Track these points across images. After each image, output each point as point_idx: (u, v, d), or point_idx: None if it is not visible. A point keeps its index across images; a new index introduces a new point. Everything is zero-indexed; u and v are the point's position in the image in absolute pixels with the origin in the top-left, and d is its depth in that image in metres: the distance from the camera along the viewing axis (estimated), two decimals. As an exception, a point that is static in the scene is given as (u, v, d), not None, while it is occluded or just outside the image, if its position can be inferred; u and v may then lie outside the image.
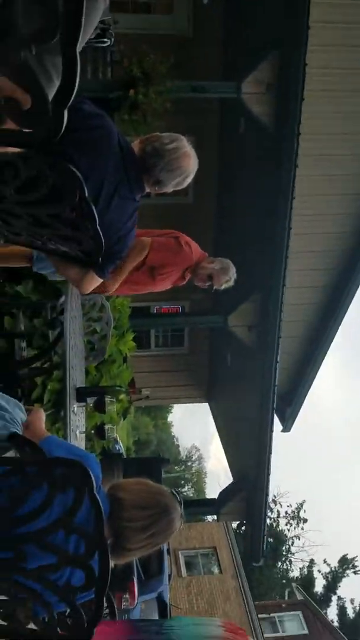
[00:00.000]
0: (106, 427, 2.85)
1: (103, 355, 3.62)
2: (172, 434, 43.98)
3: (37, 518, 1.45)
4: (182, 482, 38.25)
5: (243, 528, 7.55)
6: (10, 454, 1.71)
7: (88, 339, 3.56)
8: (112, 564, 1.50)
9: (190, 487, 38.50)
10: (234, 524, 14.75)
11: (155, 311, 9.41)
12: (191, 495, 36.48)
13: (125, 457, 6.74)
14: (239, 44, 6.50)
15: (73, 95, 0.92)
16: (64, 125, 0.96)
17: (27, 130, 0.98)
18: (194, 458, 42.41)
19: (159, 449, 36.73)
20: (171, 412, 39.65)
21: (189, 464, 42.25)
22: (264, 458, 6.45)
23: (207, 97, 5.83)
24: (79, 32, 0.84)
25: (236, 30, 6.73)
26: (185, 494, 35.75)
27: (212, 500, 7.08)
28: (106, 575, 1.45)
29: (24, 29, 0.87)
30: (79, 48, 0.87)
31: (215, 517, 7.32)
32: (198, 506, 7.42)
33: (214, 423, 9.74)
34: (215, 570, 14.60)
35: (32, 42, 0.86)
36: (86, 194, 1.67)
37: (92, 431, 2.46)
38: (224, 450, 8.65)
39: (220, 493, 7.08)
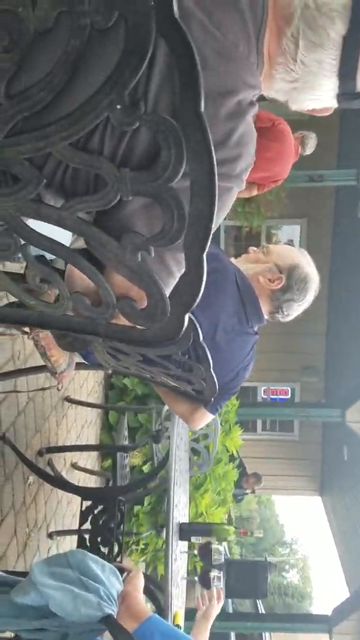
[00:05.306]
0: (213, 546, 2.54)
1: (209, 465, 3.37)
2: (276, 512, 41.46)
3: None
4: (287, 566, 35.46)
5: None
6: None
7: (192, 447, 3.35)
8: None
9: (296, 572, 35.47)
10: None
11: (262, 393, 9.03)
12: (296, 582, 33.65)
13: (228, 557, 6.22)
14: (355, 129, 6.35)
15: (197, 301, 0.75)
16: (184, 328, 0.80)
17: (141, 328, 0.83)
18: (299, 542, 39.37)
19: (262, 527, 34.62)
20: (275, 490, 37.53)
21: (294, 546, 39.23)
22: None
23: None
24: (208, 237, 0.69)
25: (353, 115, 6.61)
26: (289, 580, 33.04)
27: (324, 616, 6.27)
28: None
29: (143, 231, 0.73)
30: (206, 249, 0.71)
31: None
32: (308, 622, 6.60)
33: (326, 519, 8.89)
34: None
35: (151, 244, 0.71)
36: (201, 338, 1.53)
37: (196, 578, 2.18)
38: (339, 555, 7.77)
39: (335, 609, 6.26)
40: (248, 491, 7.38)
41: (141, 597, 1.55)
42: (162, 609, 2.09)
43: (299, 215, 7.63)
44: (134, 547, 4.42)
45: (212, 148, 0.64)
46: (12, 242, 0.79)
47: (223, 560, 2.30)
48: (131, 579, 1.57)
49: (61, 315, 0.87)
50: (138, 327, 0.84)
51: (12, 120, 0.70)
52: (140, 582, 1.59)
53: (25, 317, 0.90)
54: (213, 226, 0.70)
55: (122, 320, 0.84)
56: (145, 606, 1.50)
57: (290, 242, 8.92)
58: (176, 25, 0.61)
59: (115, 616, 1.39)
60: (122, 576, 1.58)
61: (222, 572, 2.28)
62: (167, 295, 0.78)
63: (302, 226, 8.06)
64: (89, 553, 1.52)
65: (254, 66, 0.75)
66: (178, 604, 1.97)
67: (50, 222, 0.75)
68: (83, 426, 3.66)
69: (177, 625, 1.90)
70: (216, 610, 2.03)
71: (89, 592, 1.40)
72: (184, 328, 0.79)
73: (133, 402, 4.31)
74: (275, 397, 8.76)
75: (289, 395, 8.75)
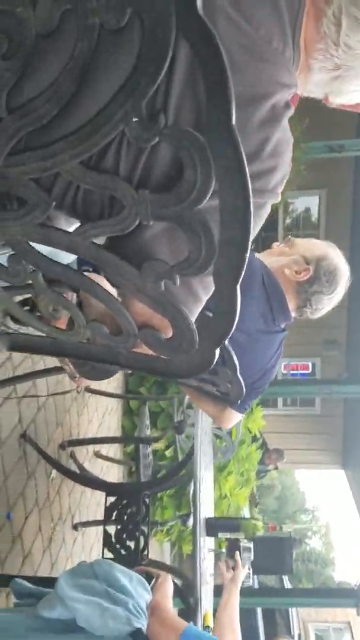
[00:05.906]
0: (242, 544, 2.50)
1: (233, 451, 3.32)
2: (297, 479, 41.72)
3: None
4: (309, 533, 35.89)
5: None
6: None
7: (216, 433, 3.29)
8: None
9: (318, 539, 35.85)
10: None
11: (283, 368, 8.94)
12: (318, 549, 34.09)
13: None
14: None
15: (230, 335, 0.67)
16: (214, 361, 0.72)
17: (165, 358, 0.76)
18: (321, 509, 39.68)
19: (284, 495, 34.86)
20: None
21: (316, 513, 39.55)
22: None
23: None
24: (242, 266, 0.60)
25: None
26: (312, 547, 33.48)
27: (351, 590, 6.31)
28: None
29: (165, 257, 0.65)
30: (240, 278, 0.62)
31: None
32: (334, 597, 6.63)
33: (350, 492, 8.88)
34: (349, 649, 13.24)
35: (176, 274, 0.63)
36: (226, 342, 1.45)
37: (224, 560, 2.13)
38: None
39: (361, 583, 6.29)
40: (270, 467, 7.38)
41: (171, 604, 1.52)
42: (186, 601, 2.06)
43: (318, 187, 7.41)
44: (159, 527, 4.45)
45: (245, 165, 0.55)
46: (22, 269, 0.72)
47: (252, 557, 2.27)
48: (159, 586, 1.53)
49: (78, 343, 0.80)
50: (162, 357, 0.76)
51: (15, 137, 0.62)
52: (169, 588, 1.56)
53: (39, 344, 0.83)
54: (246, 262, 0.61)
55: (145, 348, 0.76)
56: (177, 616, 1.47)
57: (307, 212, 8.70)
58: (200, 22, 0.51)
59: (144, 630, 1.36)
60: (149, 582, 1.55)
61: (251, 570, 2.24)
62: (194, 323, 0.70)
63: (322, 197, 7.83)
64: (115, 563, 1.48)
65: (290, 62, 0.65)
66: (207, 603, 1.95)
67: (61, 248, 0.67)
68: (104, 414, 3.64)
69: (207, 627, 1.88)
70: (243, 573, 2.00)
71: (117, 606, 1.36)
72: (214, 362, 0.71)
73: (153, 387, 4.27)
74: (296, 372, 8.67)
75: (310, 370, 8.66)
